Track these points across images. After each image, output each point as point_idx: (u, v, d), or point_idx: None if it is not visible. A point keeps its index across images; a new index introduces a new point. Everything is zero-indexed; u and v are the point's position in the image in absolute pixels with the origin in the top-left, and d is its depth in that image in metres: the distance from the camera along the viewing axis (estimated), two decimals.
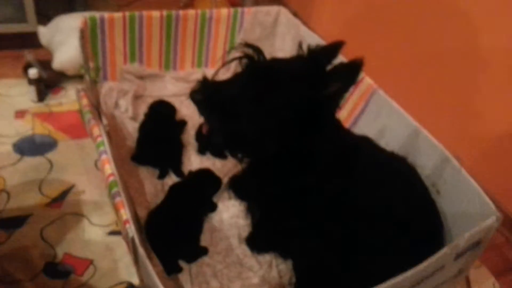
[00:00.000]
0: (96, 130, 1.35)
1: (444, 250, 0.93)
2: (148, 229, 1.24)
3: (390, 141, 1.39)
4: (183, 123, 1.71)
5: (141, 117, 1.69)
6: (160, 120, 1.64)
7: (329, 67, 1.06)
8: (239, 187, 1.45)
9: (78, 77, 1.88)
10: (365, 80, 1.52)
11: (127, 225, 1.04)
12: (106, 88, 1.79)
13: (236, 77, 1.09)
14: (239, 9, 1.93)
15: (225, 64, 1.18)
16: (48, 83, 1.87)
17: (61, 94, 1.87)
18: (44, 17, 2.04)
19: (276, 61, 1.10)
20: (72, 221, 1.35)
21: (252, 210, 1.38)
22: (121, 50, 1.81)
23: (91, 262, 1.25)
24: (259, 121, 1.05)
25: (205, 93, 1.06)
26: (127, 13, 1.74)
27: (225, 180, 1.47)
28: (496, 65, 1.53)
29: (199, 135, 1.63)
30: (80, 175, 1.51)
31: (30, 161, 1.53)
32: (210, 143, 1.58)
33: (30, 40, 1.99)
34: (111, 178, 1.19)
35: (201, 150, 1.61)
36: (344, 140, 1.20)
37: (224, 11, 1.92)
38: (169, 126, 1.66)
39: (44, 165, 1.52)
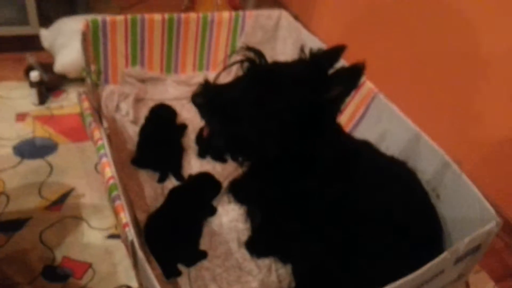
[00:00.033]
0: (97, 133, 1.35)
1: (444, 254, 0.93)
2: (147, 233, 1.24)
3: (391, 146, 1.39)
4: (183, 127, 1.71)
5: (141, 120, 1.68)
6: (161, 124, 1.64)
7: (330, 71, 1.06)
8: (239, 191, 1.45)
9: (80, 80, 1.87)
10: (366, 85, 1.52)
11: (127, 229, 1.04)
12: (108, 91, 1.79)
13: (237, 80, 1.10)
14: (241, 13, 1.93)
15: (226, 67, 1.18)
16: (50, 86, 1.87)
17: (62, 97, 1.88)
18: (46, 20, 2.04)
19: (277, 65, 1.11)
20: (71, 225, 1.35)
21: (251, 214, 1.38)
22: (123, 53, 1.81)
23: (90, 265, 1.25)
24: (260, 124, 1.05)
25: (207, 96, 1.07)
26: (129, 16, 1.74)
27: (225, 184, 1.47)
28: (496, 70, 1.53)
29: (199, 138, 1.63)
30: (80, 178, 1.51)
31: (30, 164, 1.53)
32: (211, 146, 1.58)
33: (32, 43, 2.00)
34: (111, 181, 1.19)
35: (201, 154, 1.61)
36: (344, 144, 1.20)
37: (226, 14, 1.92)
38: (170, 130, 1.65)
39: (44, 168, 1.52)
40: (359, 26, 2.20)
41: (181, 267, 1.23)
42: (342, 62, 1.11)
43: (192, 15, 1.86)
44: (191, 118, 1.74)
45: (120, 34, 1.76)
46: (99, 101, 1.68)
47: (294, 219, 1.20)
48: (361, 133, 1.52)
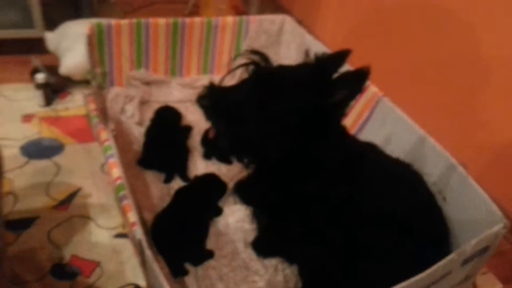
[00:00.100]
0: (103, 135, 1.36)
1: (452, 256, 0.93)
2: (154, 233, 1.24)
3: (396, 149, 1.39)
4: (188, 129, 1.72)
5: (147, 122, 1.70)
6: (166, 126, 1.65)
7: (335, 75, 1.07)
8: (244, 192, 1.46)
9: (85, 83, 1.89)
10: (371, 88, 1.53)
11: (134, 228, 1.05)
12: (113, 93, 1.80)
13: (242, 83, 1.11)
14: (244, 17, 1.95)
15: (232, 70, 1.20)
16: (55, 88, 1.88)
17: (67, 99, 1.89)
18: (51, 23, 2.05)
19: (282, 68, 1.11)
20: (79, 224, 1.36)
21: (258, 215, 1.39)
22: (128, 56, 1.83)
23: (98, 264, 1.26)
24: (264, 126, 1.06)
25: (212, 99, 1.08)
26: (134, 20, 1.76)
27: (230, 185, 1.48)
28: (501, 73, 1.54)
29: (204, 140, 1.64)
30: (87, 178, 1.52)
31: (37, 164, 1.55)
32: (216, 148, 1.59)
33: (37, 46, 2.02)
34: (119, 181, 1.20)
35: (207, 155, 1.62)
36: (349, 147, 1.20)
37: (230, 19, 1.94)
38: (175, 131, 1.67)
39: (51, 169, 1.54)
40: (363, 31, 2.22)
41: (188, 266, 1.24)
42: (347, 67, 1.12)
43: (196, 20, 1.88)
44: (196, 120, 1.76)
45: (124, 37, 1.78)
46: (105, 103, 1.70)
47: (297, 221, 1.21)
48: (365, 137, 1.52)
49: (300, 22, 2.00)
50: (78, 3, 2.41)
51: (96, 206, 1.42)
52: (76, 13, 2.37)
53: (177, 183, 1.49)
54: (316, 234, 1.17)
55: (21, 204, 1.39)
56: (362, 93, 1.54)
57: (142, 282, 1.22)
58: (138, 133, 1.68)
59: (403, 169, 1.24)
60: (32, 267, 1.22)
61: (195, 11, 2.72)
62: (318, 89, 1.05)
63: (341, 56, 1.14)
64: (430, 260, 0.92)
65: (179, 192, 1.40)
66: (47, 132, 1.69)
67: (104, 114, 1.49)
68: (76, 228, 1.35)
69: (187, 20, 1.85)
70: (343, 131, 1.21)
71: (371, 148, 1.27)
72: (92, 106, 1.50)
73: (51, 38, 1.94)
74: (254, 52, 1.10)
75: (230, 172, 1.56)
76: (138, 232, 1.03)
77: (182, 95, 1.90)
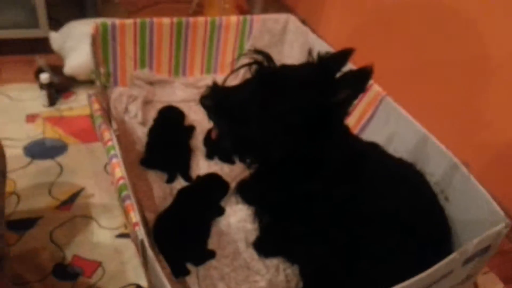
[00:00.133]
0: (107, 135, 1.36)
1: (453, 255, 0.93)
2: (156, 232, 1.24)
3: (399, 148, 1.39)
4: (191, 128, 1.72)
5: (150, 122, 1.70)
6: (169, 125, 1.66)
7: (338, 74, 1.07)
8: (247, 191, 1.46)
9: (89, 83, 1.90)
10: (374, 87, 1.53)
11: (137, 228, 1.05)
12: (116, 93, 1.81)
13: (245, 83, 1.11)
14: (248, 17, 1.95)
15: (235, 70, 1.20)
16: (59, 88, 1.89)
17: (71, 99, 1.89)
18: (56, 23, 2.06)
19: (285, 68, 1.11)
20: (81, 224, 1.36)
21: (259, 215, 1.39)
22: (131, 56, 1.83)
23: (99, 264, 1.26)
24: (267, 126, 1.06)
25: (215, 99, 1.08)
26: (138, 20, 1.76)
27: (233, 184, 1.48)
28: (504, 73, 1.54)
29: (207, 140, 1.64)
30: (89, 178, 1.52)
31: (41, 164, 1.55)
32: (219, 148, 1.59)
33: (42, 45, 2.02)
34: (121, 181, 1.20)
35: (209, 155, 1.62)
36: (352, 146, 1.20)
37: (233, 18, 1.93)
38: (178, 131, 1.67)
39: (54, 169, 1.54)
40: (367, 30, 2.21)
41: (189, 266, 1.24)
42: (350, 66, 1.12)
43: (200, 19, 1.88)
44: (199, 120, 1.76)
45: (129, 37, 1.78)
46: (108, 103, 1.70)
47: (300, 221, 1.21)
48: (368, 136, 1.52)
49: (304, 21, 2.00)
50: (82, 3, 2.42)
51: (99, 206, 1.42)
52: (81, 13, 2.38)
53: (180, 183, 1.50)
54: (319, 233, 1.17)
55: (24, 204, 1.40)
56: (365, 92, 1.54)
57: (143, 282, 1.22)
58: (141, 132, 1.68)
59: (406, 169, 1.24)
60: (34, 268, 1.22)
61: (199, 11, 2.72)
62: (321, 88, 1.04)
63: (344, 55, 1.13)
64: (432, 260, 0.91)
65: (181, 192, 1.40)
66: (51, 132, 1.69)
67: (107, 114, 1.49)
68: (78, 228, 1.35)
69: (191, 19, 1.85)
70: (346, 130, 1.20)
71: (374, 148, 1.27)
72: (96, 106, 1.50)
73: (56, 38, 1.94)
74: (258, 51, 1.09)
75: (233, 172, 1.56)
76: (140, 233, 1.03)
77: (185, 94, 1.90)
